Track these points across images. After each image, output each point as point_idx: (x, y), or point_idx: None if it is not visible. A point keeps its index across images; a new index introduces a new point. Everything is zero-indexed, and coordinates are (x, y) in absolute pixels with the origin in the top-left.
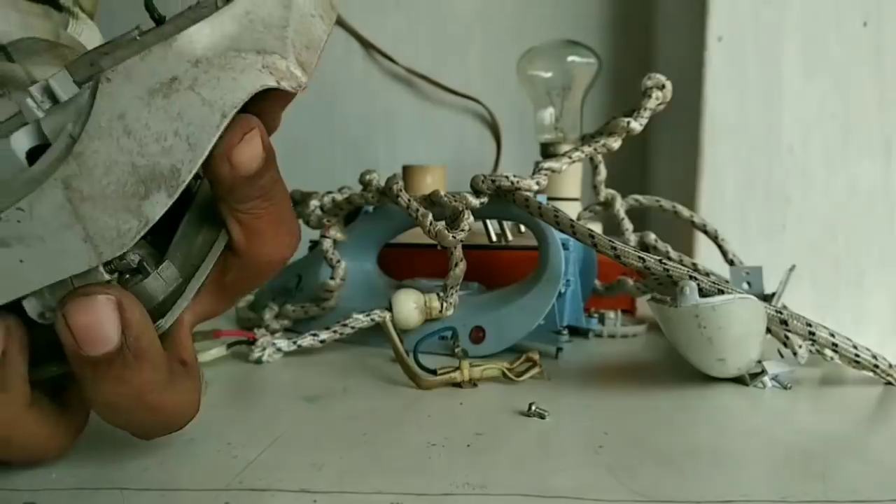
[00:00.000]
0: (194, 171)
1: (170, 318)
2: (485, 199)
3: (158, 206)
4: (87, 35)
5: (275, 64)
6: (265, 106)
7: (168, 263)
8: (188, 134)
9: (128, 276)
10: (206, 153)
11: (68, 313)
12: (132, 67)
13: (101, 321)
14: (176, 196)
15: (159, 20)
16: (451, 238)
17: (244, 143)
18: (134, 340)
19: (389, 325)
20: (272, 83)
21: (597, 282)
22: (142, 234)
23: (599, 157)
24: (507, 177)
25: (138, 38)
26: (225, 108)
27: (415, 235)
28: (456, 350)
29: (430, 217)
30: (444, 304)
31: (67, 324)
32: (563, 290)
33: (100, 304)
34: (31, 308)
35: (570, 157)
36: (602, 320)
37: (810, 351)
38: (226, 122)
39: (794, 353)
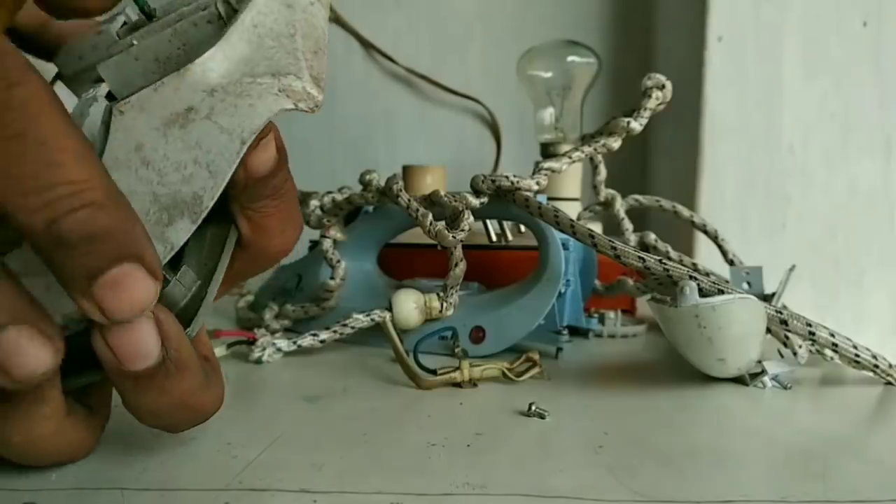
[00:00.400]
0: (216, 197)
1: (195, 326)
2: (485, 199)
3: (182, 231)
4: None
5: (291, 86)
6: None
7: (186, 268)
8: (208, 162)
9: None
10: (228, 178)
11: (107, 333)
12: (145, 99)
13: (141, 338)
14: (199, 221)
15: (150, 15)
16: (451, 238)
17: (260, 148)
18: (175, 352)
19: (389, 325)
20: (289, 106)
21: (597, 282)
22: (167, 258)
23: (599, 157)
24: (507, 177)
25: (134, 43)
26: (244, 134)
27: (415, 235)
28: (456, 350)
29: (430, 217)
30: (444, 304)
31: (107, 343)
32: (563, 290)
33: (139, 321)
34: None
35: (570, 157)
36: (602, 320)
37: (810, 351)
38: (245, 147)
39: (794, 353)
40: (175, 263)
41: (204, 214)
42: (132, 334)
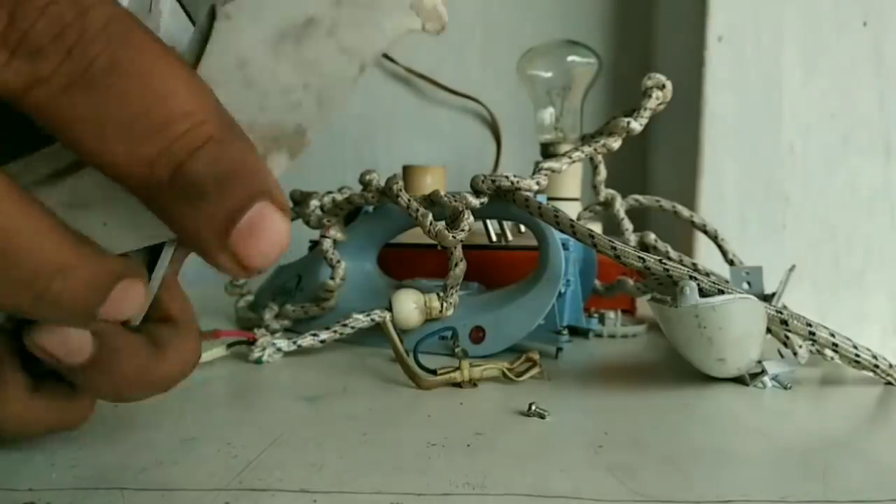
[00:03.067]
0: (321, 132)
1: (138, 318)
2: (485, 199)
3: (278, 168)
4: None
5: (422, 0)
6: None
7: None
8: (319, 88)
9: None
10: (336, 111)
11: (37, 338)
12: (261, 3)
13: (69, 337)
14: (298, 157)
15: None
16: (451, 238)
17: None
18: (110, 339)
19: (389, 325)
20: (417, 27)
21: (597, 282)
22: None
23: (599, 157)
24: (507, 177)
25: None
26: (365, 58)
27: (415, 235)
28: (456, 350)
29: (430, 217)
30: (444, 304)
31: (40, 346)
32: (563, 290)
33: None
34: None
35: (570, 157)
36: (602, 320)
37: (810, 351)
38: (363, 75)
39: (794, 353)
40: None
41: (304, 150)
42: (59, 335)
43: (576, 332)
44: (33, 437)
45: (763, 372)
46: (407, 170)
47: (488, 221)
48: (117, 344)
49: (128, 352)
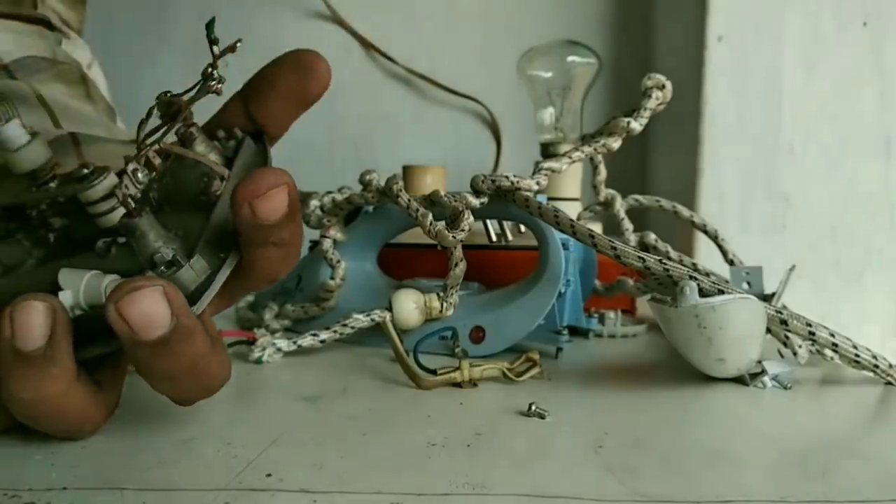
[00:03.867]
0: None
1: (201, 305)
2: (485, 199)
3: None
4: (79, 53)
5: None
6: (275, 110)
7: (198, 257)
8: None
9: (163, 268)
10: None
11: (122, 307)
12: None
13: (153, 309)
14: None
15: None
16: (451, 238)
17: (268, 197)
18: (185, 319)
19: (389, 325)
20: None
21: (597, 282)
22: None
23: (599, 157)
24: (507, 177)
25: None
26: None
27: (415, 235)
28: (456, 350)
29: (430, 217)
30: (444, 304)
31: (122, 316)
32: (563, 290)
33: (150, 293)
34: (66, 300)
35: (570, 157)
36: (602, 320)
37: (810, 351)
38: None
39: (794, 353)
40: (191, 252)
41: None
42: (145, 305)
43: (576, 332)
44: (50, 425)
45: (763, 372)
46: (407, 170)
47: (488, 221)
48: (191, 323)
49: (196, 332)
